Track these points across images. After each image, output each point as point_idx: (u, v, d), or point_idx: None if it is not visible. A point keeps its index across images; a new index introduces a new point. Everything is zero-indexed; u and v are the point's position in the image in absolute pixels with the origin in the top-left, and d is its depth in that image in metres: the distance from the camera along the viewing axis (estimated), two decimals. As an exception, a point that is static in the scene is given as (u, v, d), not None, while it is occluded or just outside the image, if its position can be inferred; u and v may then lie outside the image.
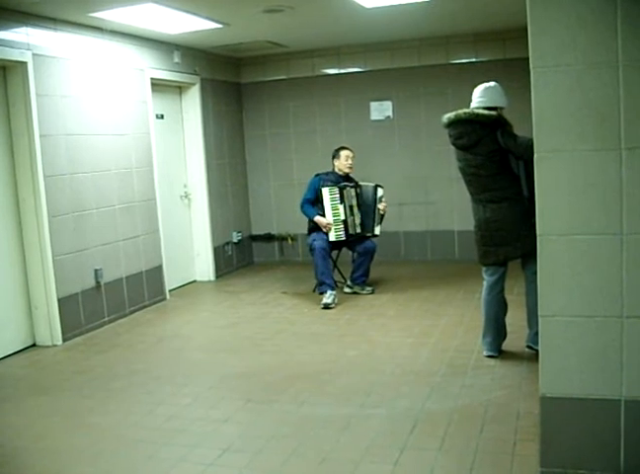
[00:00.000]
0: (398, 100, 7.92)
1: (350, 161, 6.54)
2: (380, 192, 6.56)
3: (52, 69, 5.34)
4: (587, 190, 2.52)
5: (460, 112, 4.20)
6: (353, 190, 6.45)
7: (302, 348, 4.93)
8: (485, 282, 4.38)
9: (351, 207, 6.41)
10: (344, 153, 6.56)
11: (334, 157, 6.63)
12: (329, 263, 6.35)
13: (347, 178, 6.57)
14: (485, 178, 4.18)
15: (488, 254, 4.27)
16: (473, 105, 4.28)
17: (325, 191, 6.37)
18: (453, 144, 4.31)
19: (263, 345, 5.06)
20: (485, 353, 4.41)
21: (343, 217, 6.38)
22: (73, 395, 4.18)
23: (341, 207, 6.38)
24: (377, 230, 6.54)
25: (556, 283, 2.59)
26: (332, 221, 6.33)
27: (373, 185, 6.59)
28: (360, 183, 6.57)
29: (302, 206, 6.53)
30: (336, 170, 6.58)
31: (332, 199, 6.37)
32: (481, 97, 4.27)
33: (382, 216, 6.58)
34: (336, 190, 6.38)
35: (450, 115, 4.25)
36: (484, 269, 4.38)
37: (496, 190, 4.17)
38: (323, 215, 6.36)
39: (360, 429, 3.45)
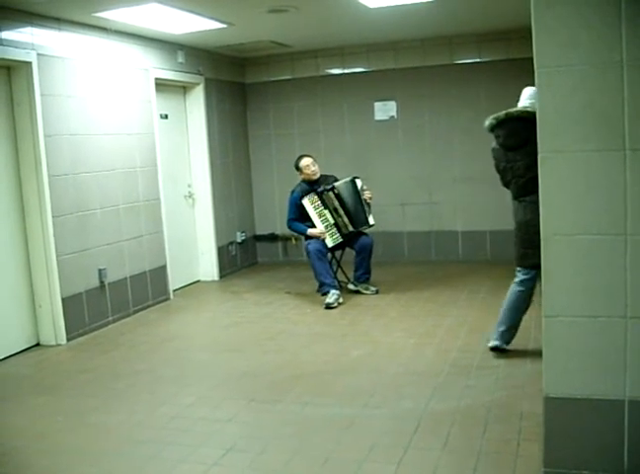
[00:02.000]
0: (402, 100, 7.91)
1: (313, 167, 6.48)
2: (359, 182, 6.50)
3: (57, 69, 5.35)
4: (590, 190, 2.51)
5: (511, 110, 4.17)
6: (330, 192, 6.38)
7: (305, 348, 4.93)
8: (517, 278, 4.35)
9: (335, 209, 6.37)
10: (303, 163, 6.50)
11: (297, 170, 6.58)
12: (326, 263, 6.33)
13: (318, 183, 6.51)
14: (531, 180, 4.12)
15: (526, 256, 4.24)
16: (521, 104, 4.24)
17: (306, 202, 6.34)
18: (501, 145, 4.26)
19: (266, 345, 5.07)
20: (492, 343, 4.39)
21: (332, 221, 6.36)
22: (76, 394, 4.19)
23: (327, 212, 6.35)
24: (371, 219, 6.51)
25: (560, 284, 2.59)
26: (324, 228, 6.32)
27: (350, 179, 6.50)
28: (334, 183, 6.47)
29: (291, 226, 6.54)
30: (305, 179, 6.54)
31: (315, 208, 6.34)
32: (532, 98, 4.17)
33: (369, 204, 6.54)
34: (315, 197, 6.35)
35: (499, 114, 4.22)
36: (518, 268, 4.37)
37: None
38: (312, 226, 6.35)
39: (363, 429, 3.45)
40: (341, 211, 6.38)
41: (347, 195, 6.43)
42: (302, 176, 6.55)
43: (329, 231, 6.34)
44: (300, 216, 6.43)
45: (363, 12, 5.81)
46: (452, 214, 7.84)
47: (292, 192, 6.60)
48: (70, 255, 5.44)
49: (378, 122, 8.02)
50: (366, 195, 6.48)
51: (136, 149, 6.32)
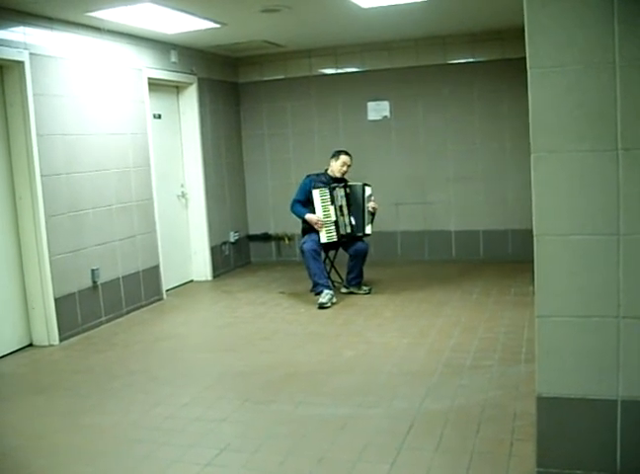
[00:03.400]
0: (395, 100, 7.92)
1: (345, 168, 6.47)
2: (368, 190, 6.49)
3: (50, 69, 5.34)
4: (583, 190, 2.52)
5: None
6: (342, 190, 6.39)
7: (299, 348, 4.93)
8: None
9: (340, 208, 6.37)
10: (343, 158, 6.48)
11: (333, 156, 6.56)
12: (320, 263, 6.33)
13: (338, 180, 6.50)
14: None
15: None
16: None
17: (316, 193, 6.33)
18: None
19: (260, 344, 5.07)
20: None
21: (334, 218, 6.34)
22: (70, 395, 4.18)
23: (331, 209, 6.34)
24: (368, 229, 6.49)
25: (553, 284, 2.59)
26: (322, 217, 6.31)
27: (361, 184, 6.51)
28: (350, 183, 6.50)
29: (292, 207, 6.52)
30: (329, 171, 6.55)
31: (323, 201, 6.33)
32: None
33: (373, 215, 6.52)
34: (326, 191, 6.34)
35: None
36: None
37: None
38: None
39: (356, 428, 3.45)
40: (345, 211, 6.38)
41: (356, 197, 6.44)
42: (332, 164, 6.51)
43: (327, 227, 6.33)
44: (306, 201, 6.42)
45: (356, 12, 5.81)
46: (446, 214, 7.85)
47: (308, 175, 6.59)
48: (63, 255, 5.42)
49: (372, 122, 8.03)
50: (371, 204, 6.47)
51: (129, 149, 6.31)
